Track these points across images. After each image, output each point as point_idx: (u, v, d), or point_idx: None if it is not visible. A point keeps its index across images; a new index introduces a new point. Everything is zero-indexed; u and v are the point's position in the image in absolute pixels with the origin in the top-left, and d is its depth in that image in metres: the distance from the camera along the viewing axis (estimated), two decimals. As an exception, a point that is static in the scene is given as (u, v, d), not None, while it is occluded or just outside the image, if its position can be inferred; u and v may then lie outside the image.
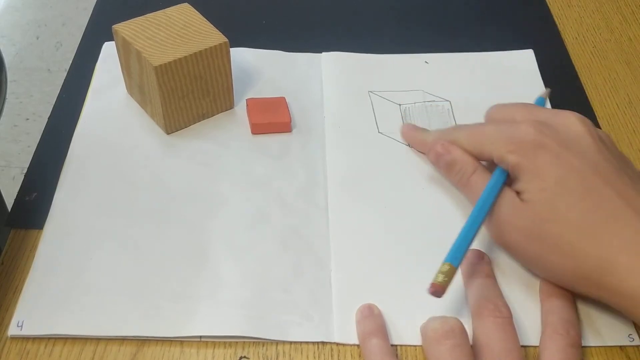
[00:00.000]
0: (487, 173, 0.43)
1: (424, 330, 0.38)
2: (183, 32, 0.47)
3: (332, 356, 0.38)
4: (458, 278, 0.42)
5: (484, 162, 0.44)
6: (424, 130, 0.49)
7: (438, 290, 0.37)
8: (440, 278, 0.37)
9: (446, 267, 0.38)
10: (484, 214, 0.40)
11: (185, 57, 0.46)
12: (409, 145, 0.50)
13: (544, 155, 0.39)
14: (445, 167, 0.45)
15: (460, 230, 0.40)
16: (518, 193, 0.40)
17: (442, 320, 0.37)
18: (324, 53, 0.57)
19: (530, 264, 0.41)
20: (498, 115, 0.45)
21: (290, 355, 0.38)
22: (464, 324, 0.37)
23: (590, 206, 0.38)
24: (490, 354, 0.36)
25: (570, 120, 0.41)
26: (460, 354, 0.35)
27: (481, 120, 0.47)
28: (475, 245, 0.43)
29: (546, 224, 0.38)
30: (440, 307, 0.40)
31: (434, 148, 0.45)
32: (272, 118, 0.50)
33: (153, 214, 0.45)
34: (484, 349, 0.36)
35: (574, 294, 0.40)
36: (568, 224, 0.38)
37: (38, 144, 0.49)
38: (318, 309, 0.40)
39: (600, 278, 0.37)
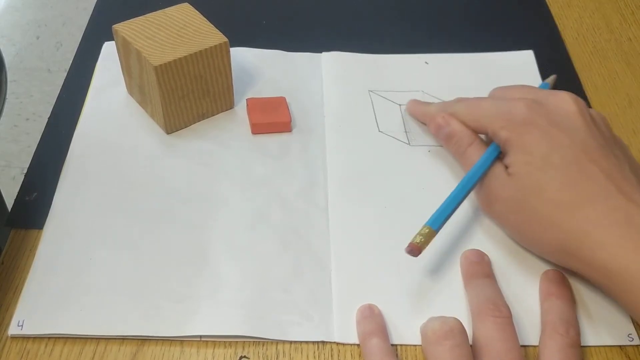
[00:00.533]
0: (483, 146, 0.45)
1: (423, 331, 0.38)
2: (183, 32, 0.47)
3: (332, 356, 0.38)
4: (458, 278, 0.42)
5: (482, 136, 0.46)
6: (427, 103, 0.51)
7: (414, 249, 0.39)
8: (418, 239, 0.39)
9: (425, 230, 0.40)
10: (472, 184, 0.43)
11: (186, 56, 0.46)
12: (408, 142, 0.50)
13: (532, 131, 0.41)
14: (444, 138, 0.47)
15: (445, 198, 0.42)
16: (506, 167, 0.42)
17: (441, 320, 0.37)
18: (324, 53, 0.57)
19: (513, 234, 0.43)
20: (498, 93, 0.47)
21: (290, 355, 0.38)
22: (463, 324, 0.37)
23: (571, 181, 0.39)
24: (490, 353, 0.36)
25: (563, 100, 0.43)
26: (459, 354, 0.35)
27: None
28: (475, 246, 0.43)
29: (528, 196, 0.40)
30: (440, 307, 0.40)
31: (435, 119, 0.48)
32: (272, 118, 0.50)
33: (153, 214, 0.45)
34: (484, 349, 0.36)
35: (572, 294, 0.40)
36: (548, 197, 0.39)
37: (38, 144, 0.49)
38: (318, 308, 0.40)
39: (575, 250, 0.38)
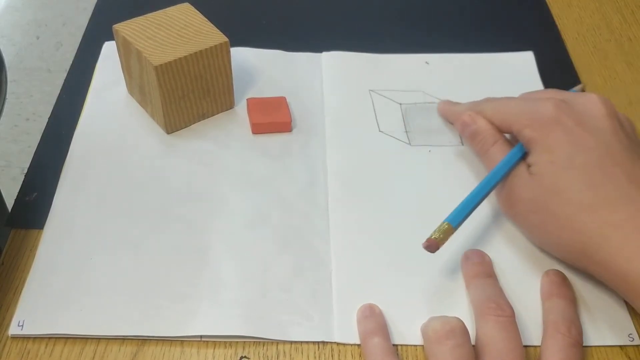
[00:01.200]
0: (508, 146, 0.44)
1: (424, 330, 0.38)
2: (183, 31, 0.47)
3: (332, 356, 0.38)
4: (459, 278, 0.42)
5: (508, 136, 0.46)
6: (456, 103, 0.51)
7: (432, 245, 0.39)
8: (437, 235, 0.39)
9: (445, 226, 0.40)
10: (494, 183, 0.42)
11: (186, 56, 0.46)
12: (408, 142, 0.50)
13: (557, 130, 0.41)
14: (469, 136, 0.47)
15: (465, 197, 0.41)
16: (529, 166, 0.42)
17: (443, 320, 0.37)
18: (324, 53, 0.57)
19: (532, 235, 0.43)
20: (528, 95, 0.47)
21: (290, 355, 0.38)
22: (464, 323, 0.37)
23: (593, 183, 0.39)
24: (492, 353, 0.36)
25: (591, 101, 0.42)
26: (461, 354, 0.35)
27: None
28: (478, 246, 0.43)
29: (549, 197, 0.40)
30: (441, 306, 0.40)
31: (461, 117, 0.47)
32: (273, 118, 0.50)
33: (153, 213, 0.45)
34: (486, 348, 0.36)
35: (574, 294, 0.40)
36: (569, 198, 0.39)
37: (38, 144, 0.49)
38: (318, 308, 0.40)
39: (594, 253, 0.38)
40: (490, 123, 0.46)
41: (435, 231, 0.39)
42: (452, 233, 0.40)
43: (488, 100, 0.48)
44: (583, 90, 0.51)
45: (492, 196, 0.46)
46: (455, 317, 0.37)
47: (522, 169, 0.42)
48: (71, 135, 0.49)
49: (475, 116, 0.47)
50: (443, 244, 0.39)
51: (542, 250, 0.43)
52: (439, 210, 0.45)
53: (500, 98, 0.47)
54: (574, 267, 0.41)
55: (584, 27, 0.62)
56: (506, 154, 0.43)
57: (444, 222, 0.40)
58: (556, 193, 0.39)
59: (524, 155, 0.43)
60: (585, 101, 0.42)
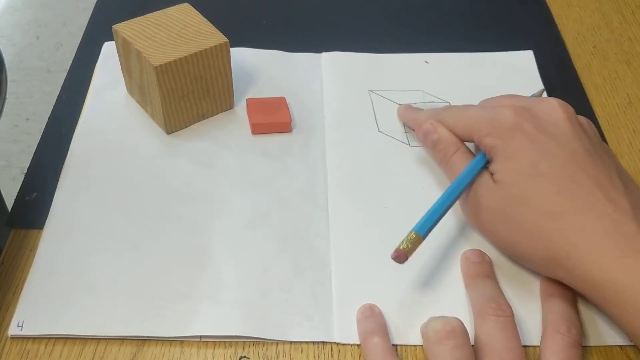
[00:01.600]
0: (469, 154, 0.44)
1: (424, 331, 0.38)
2: (183, 32, 0.47)
3: (332, 356, 0.38)
4: (459, 278, 0.42)
5: (470, 146, 0.45)
6: (418, 109, 0.51)
7: (400, 255, 0.38)
8: (404, 245, 0.39)
9: (412, 236, 0.39)
10: (459, 191, 0.42)
11: (186, 57, 0.46)
12: (408, 142, 0.50)
13: (519, 138, 0.40)
14: (431, 145, 0.46)
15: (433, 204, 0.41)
16: (492, 175, 0.41)
17: (443, 320, 0.37)
18: (324, 53, 0.57)
19: (500, 246, 0.42)
20: (487, 102, 0.46)
21: (290, 355, 0.38)
22: (464, 324, 0.37)
23: (559, 190, 0.38)
24: (491, 353, 0.36)
25: (551, 106, 0.42)
26: (461, 354, 0.35)
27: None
28: (475, 246, 0.43)
29: (515, 206, 0.39)
30: (441, 307, 0.40)
31: (423, 125, 0.47)
32: (272, 118, 0.50)
33: (153, 213, 0.45)
34: (486, 348, 0.36)
35: (574, 293, 0.40)
36: (536, 207, 0.38)
37: (38, 144, 0.49)
38: (318, 308, 0.40)
39: (563, 261, 0.37)
40: (451, 132, 0.45)
41: (403, 241, 0.39)
42: (421, 242, 0.39)
43: (448, 108, 0.47)
44: (541, 94, 0.51)
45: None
46: (455, 318, 0.37)
47: (485, 177, 0.41)
48: (71, 135, 0.49)
49: (436, 124, 0.46)
50: (412, 254, 0.39)
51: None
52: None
53: (461, 106, 0.46)
54: (548, 275, 0.40)
55: (584, 27, 0.62)
56: (468, 162, 0.43)
57: (411, 232, 0.39)
58: (522, 202, 0.39)
59: (486, 164, 0.42)
60: (545, 106, 0.42)
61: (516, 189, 0.39)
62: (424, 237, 0.39)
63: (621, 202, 0.37)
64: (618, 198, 0.37)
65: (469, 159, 0.43)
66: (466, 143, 0.45)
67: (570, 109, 0.42)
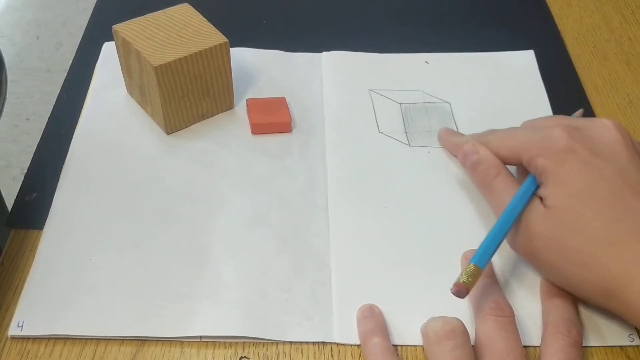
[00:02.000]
0: (511, 178, 0.42)
1: (424, 331, 0.38)
2: (183, 32, 0.47)
3: (332, 356, 0.38)
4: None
5: (510, 168, 0.44)
6: (459, 134, 0.49)
7: (462, 290, 0.36)
8: (465, 278, 0.37)
9: (471, 268, 0.37)
10: (513, 218, 0.39)
11: (185, 57, 0.46)
12: (408, 142, 0.50)
13: (572, 160, 0.38)
14: (470, 167, 0.44)
15: (487, 232, 0.39)
16: (542, 199, 0.39)
17: (443, 320, 0.37)
18: (324, 53, 0.57)
19: (549, 274, 0.40)
20: (531, 123, 0.44)
21: (290, 355, 0.38)
22: (464, 324, 0.37)
23: (616, 217, 0.36)
24: (491, 353, 0.36)
25: (605, 127, 0.40)
26: (461, 354, 0.35)
27: (480, 119, 0.47)
28: (476, 246, 0.43)
29: (569, 233, 0.37)
30: (441, 307, 0.40)
31: (464, 147, 0.45)
32: (272, 118, 0.50)
33: (153, 214, 0.45)
34: (486, 348, 0.36)
35: (573, 296, 0.40)
36: (591, 234, 0.37)
37: (38, 144, 0.49)
38: (318, 309, 0.40)
39: (620, 293, 0.36)
40: (495, 154, 0.43)
41: (462, 274, 0.37)
42: (480, 274, 0.37)
43: (492, 131, 0.45)
44: (583, 116, 0.49)
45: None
46: (456, 318, 0.37)
47: (535, 203, 0.39)
48: (71, 135, 0.49)
49: (478, 145, 0.44)
50: (472, 287, 0.37)
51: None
52: (438, 210, 0.46)
53: (506, 129, 0.45)
54: (595, 305, 0.39)
55: (584, 27, 0.62)
56: (512, 186, 0.41)
57: (469, 264, 0.37)
58: (577, 229, 0.37)
59: (536, 189, 0.40)
60: (598, 126, 0.40)
61: (570, 214, 0.37)
62: (482, 268, 0.37)
63: None
64: None
65: (513, 182, 0.41)
66: (508, 167, 0.43)
67: (625, 130, 0.40)
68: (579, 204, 0.37)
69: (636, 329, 0.40)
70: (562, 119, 0.42)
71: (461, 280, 0.37)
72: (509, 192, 0.41)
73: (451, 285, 0.37)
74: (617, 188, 0.37)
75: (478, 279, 0.37)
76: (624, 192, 0.37)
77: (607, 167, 0.38)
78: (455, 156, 0.48)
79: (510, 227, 0.40)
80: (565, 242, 0.37)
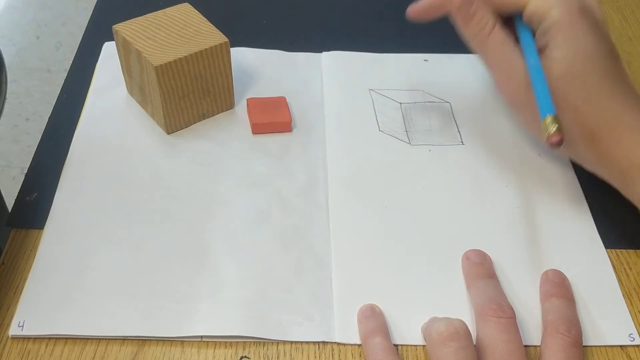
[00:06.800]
0: (505, 34, 0.43)
1: (427, 332, 0.37)
2: (183, 32, 0.47)
3: (332, 356, 0.38)
4: (460, 278, 0.42)
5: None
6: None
7: (561, 137, 0.38)
8: (554, 127, 0.38)
9: (551, 118, 0.39)
10: (539, 65, 0.41)
11: (186, 57, 0.46)
12: (408, 141, 0.50)
13: (583, 21, 0.41)
14: (466, 18, 0.44)
15: (537, 97, 0.41)
16: (543, 49, 0.42)
17: (447, 322, 0.36)
18: (324, 52, 0.57)
19: (535, 122, 0.42)
20: None
21: (291, 355, 0.38)
22: (467, 325, 0.37)
23: (607, 74, 0.41)
24: (493, 354, 0.36)
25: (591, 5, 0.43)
26: (464, 356, 0.35)
27: (480, 118, 0.46)
28: (477, 246, 0.43)
29: (573, 81, 0.40)
30: (441, 307, 0.40)
31: None
32: (273, 118, 0.50)
33: (154, 213, 0.45)
34: (488, 349, 0.36)
35: (572, 295, 0.41)
36: (590, 85, 0.40)
37: (38, 144, 0.49)
38: (319, 308, 0.40)
39: (606, 135, 0.40)
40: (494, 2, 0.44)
41: (550, 127, 0.38)
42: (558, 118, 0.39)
43: None
44: None
45: (493, 181, 0.46)
46: (459, 319, 0.37)
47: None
48: (71, 135, 0.49)
49: None
50: (563, 129, 0.38)
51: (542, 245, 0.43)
52: (439, 209, 0.46)
53: None
54: (575, 160, 0.44)
55: (584, 27, 0.62)
56: (508, 46, 0.43)
57: (547, 117, 0.39)
58: (580, 79, 0.40)
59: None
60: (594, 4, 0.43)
61: (576, 67, 0.40)
62: (555, 113, 0.39)
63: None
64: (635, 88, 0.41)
65: (509, 38, 0.43)
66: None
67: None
68: (583, 59, 0.41)
69: (636, 327, 0.40)
70: None
71: (553, 131, 0.38)
72: (508, 47, 0.43)
73: (545, 140, 0.38)
74: (607, 53, 0.41)
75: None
76: (611, 57, 0.42)
77: (599, 31, 0.42)
78: (437, 16, 0.47)
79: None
80: (568, 89, 0.41)
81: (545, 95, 0.40)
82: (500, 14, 0.44)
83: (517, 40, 0.44)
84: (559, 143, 0.38)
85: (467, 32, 0.45)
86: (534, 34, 0.44)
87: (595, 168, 0.43)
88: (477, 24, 0.44)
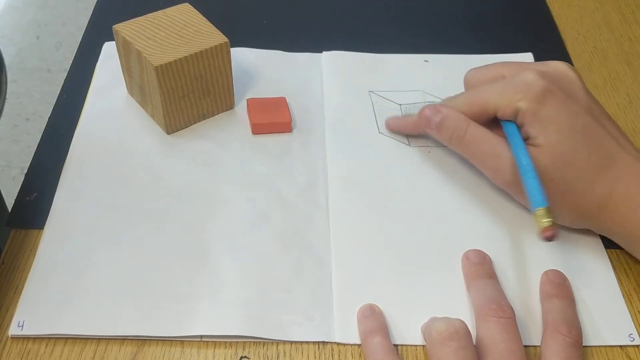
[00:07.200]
0: (482, 127, 0.44)
1: (427, 331, 0.37)
2: (183, 32, 0.47)
3: (332, 356, 0.38)
4: (460, 278, 0.42)
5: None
6: (407, 115, 0.50)
7: (555, 231, 0.38)
8: (548, 222, 0.38)
9: (543, 211, 0.39)
10: (529, 158, 0.41)
11: (186, 57, 0.46)
12: (408, 142, 0.50)
13: (552, 100, 0.42)
14: (436, 127, 0.45)
15: (524, 181, 0.41)
16: (526, 139, 0.42)
17: (446, 321, 0.36)
18: (324, 52, 0.57)
19: None
20: (482, 76, 0.46)
21: (290, 355, 0.38)
22: (467, 325, 0.37)
23: (594, 145, 0.41)
24: (493, 354, 0.36)
25: (563, 68, 0.44)
26: (464, 356, 0.35)
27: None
28: (477, 246, 0.43)
29: (560, 165, 0.41)
30: (441, 307, 0.40)
31: (422, 112, 0.46)
32: (273, 118, 0.50)
33: (153, 213, 0.45)
34: (487, 349, 0.36)
35: (572, 295, 0.41)
36: (580, 165, 0.41)
37: (38, 144, 0.49)
38: (319, 308, 0.40)
39: (602, 209, 0.41)
40: (465, 114, 0.44)
41: (542, 220, 0.38)
42: (551, 210, 0.39)
43: (453, 96, 0.46)
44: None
45: (492, 188, 0.46)
46: (459, 319, 0.37)
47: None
48: (71, 135, 0.49)
49: (438, 106, 0.45)
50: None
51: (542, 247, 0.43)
52: (438, 210, 0.46)
53: (465, 91, 0.47)
54: (578, 227, 0.43)
55: (584, 27, 0.62)
56: (487, 134, 0.43)
57: (539, 209, 0.39)
58: (568, 162, 0.41)
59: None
60: (557, 69, 0.44)
61: (561, 149, 0.41)
62: (548, 205, 0.39)
63: (630, 149, 0.42)
64: (627, 146, 0.42)
65: (486, 131, 0.43)
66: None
67: (576, 70, 0.44)
68: (567, 139, 0.41)
69: (636, 327, 0.40)
70: (517, 66, 0.45)
71: (547, 224, 0.38)
72: (488, 138, 0.43)
73: (539, 235, 0.39)
74: (587, 122, 0.42)
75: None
76: (592, 124, 0.42)
77: (577, 105, 0.42)
78: (409, 135, 0.50)
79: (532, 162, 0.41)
80: (561, 175, 0.41)
81: (535, 188, 0.40)
82: (476, 120, 0.44)
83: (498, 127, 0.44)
84: (552, 237, 0.38)
85: (440, 137, 0.46)
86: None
87: (602, 233, 0.43)
88: (450, 128, 0.44)
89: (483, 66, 0.47)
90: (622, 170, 0.41)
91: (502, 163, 0.42)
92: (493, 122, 0.44)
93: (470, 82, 0.47)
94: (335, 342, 0.39)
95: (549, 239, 0.38)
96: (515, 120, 0.43)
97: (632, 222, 0.40)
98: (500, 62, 0.47)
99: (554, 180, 0.41)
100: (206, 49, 0.46)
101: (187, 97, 0.48)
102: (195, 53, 0.46)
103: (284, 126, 0.50)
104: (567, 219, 0.43)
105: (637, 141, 0.51)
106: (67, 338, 0.39)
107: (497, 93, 0.43)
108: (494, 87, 0.44)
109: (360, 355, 0.38)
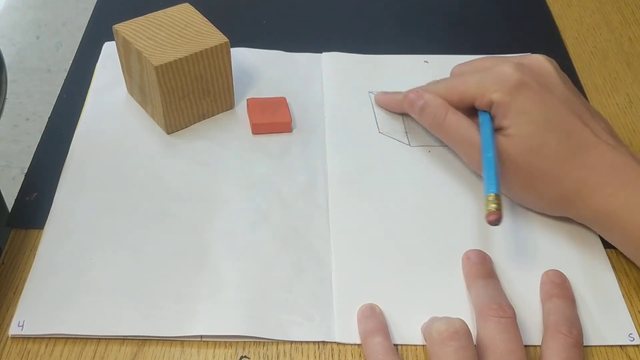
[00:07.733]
0: (460, 113, 0.46)
1: (428, 331, 0.37)
2: (184, 32, 0.47)
3: (332, 356, 0.38)
4: (460, 278, 0.42)
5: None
6: (395, 92, 0.52)
7: (498, 216, 0.40)
8: (494, 207, 0.40)
9: (492, 197, 0.40)
10: (494, 147, 0.43)
11: (186, 57, 0.46)
12: (408, 142, 0.50)
13: (526, 92, 0.43)
14: (419, 112, 0.48)
15: (483, 177, 0.42)
16: (500, 129, 0.44)
17: (447, 321, 0.36)
18: (324, 53, 0.57)
19: (515, 196, 0.45)
20: (467, 68, 0.48)
21: (290, 355, 0.38)
22: (467, 325, 0.37)
23: (565, 136, 0.42)
24: (494, 354, 0.36)
25: (540, 61, 0.45)
26: (464, 355, 0.35)
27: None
28: (477, 246, 0.43)
29: (531, 155, 0.42)
30: (441, 307, 0.40)
31: (407, 96, 0.49)
32: (273, 118, 0.50)
33: (153, 214, 0.45)
34: (488, 349, 0.36)
35: (573, 295, 0.41)
36: (550, 154, 0.42)
37: (38, 144, 0.49)
38: (319, 308, 0.40)
39: (576, 197, 0.42)
40: (445, 100, 0.46)
41: (489, 205, 0.40)
42: (501, 198, 0.40)
43: (435, 81, 0.49)
44: None
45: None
46: (459, 319, 0.37)
47: (496, 134, 0.44)
48: (71, 135, 0.49)
49: (421, 92, 0.48)
50: (502, 210, 0.40)
51: (540, 240, 0.44)
52: (438, 210, 0.46)
53: (447, 78, 0.49)
54: (552, 215, 0.44)
55: (584, 27, 0.62)
56: (464, 121, 0.45)
57: (489, 195, 0.40)
58: (539, 152, 0.42)
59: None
60: (535, 62, 0.45)
61: (532, 140, 0.42)
62: (499, 193, 0.41)
63: (609, 140, 0.42)
64: (604, 135, 0.42)
65: (464, 117, 0.45)
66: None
67: (554, 62, 0.46)
68: (539, 130, 0.42)
69: (636, 327, 0.40)
70: (498, 59, 0.47)
71: (493, 209, 0.40)
72: (463, 125, 0.45)
73: (484, 219, 0.40)
74: (561, 112, 0.43)
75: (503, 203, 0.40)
76: (566, 114, 0.43)
77: (552, 96, 0.43)
78: (395, 112, 0.52)
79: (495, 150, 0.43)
80: (530, 164, 0.42)
81: (490, 175, 0.41)
82: (455, 107, 0.46)
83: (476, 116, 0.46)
84: (496, 222, 0.40)
85: (422, 121, 0.48)
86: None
87: (580, 220, 0.44)
88: (430, 113, 0.47)
89: (469, 60, 0.49)
90: (596, 159, 0.41)
91: (476, 150, 0.44)
92: (474, 110, 0.46)
93: (454, 72, 0.50)
94: (335, 342, 0.39)
95: (492, 222, 0.40)
96: (489, 110, 0.44)
97: (605, 209, 0.41)
98: (486, 56, 0.49)
99: (523, 169, 0.42)
100: (206, 49, 0.46)
101: (187, 97, 0.48)
102: (196, 53, 0.46)
103: (284, 126, 0.50)
104: (541, 204, 0.44)
105: (637, 141, 0.51)
106: (67, 338, 0.39)
107: (474, 83, 0.45)
108: (473, 77, 0.46)
109: (360, 355, 0.38)
